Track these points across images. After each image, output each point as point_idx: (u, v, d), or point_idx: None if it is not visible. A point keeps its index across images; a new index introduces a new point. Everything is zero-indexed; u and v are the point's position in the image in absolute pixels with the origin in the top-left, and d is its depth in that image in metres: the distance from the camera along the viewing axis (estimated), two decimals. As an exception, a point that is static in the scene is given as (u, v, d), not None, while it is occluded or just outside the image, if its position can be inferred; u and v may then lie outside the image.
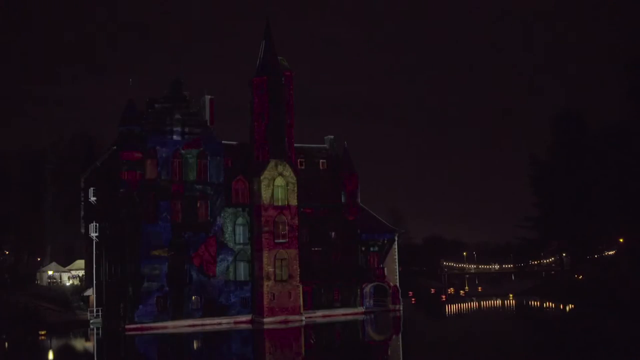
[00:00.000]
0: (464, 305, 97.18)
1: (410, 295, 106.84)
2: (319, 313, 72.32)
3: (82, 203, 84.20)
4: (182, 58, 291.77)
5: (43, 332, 61.81)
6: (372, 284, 78.28)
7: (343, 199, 76.47)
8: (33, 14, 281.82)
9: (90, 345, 61.32)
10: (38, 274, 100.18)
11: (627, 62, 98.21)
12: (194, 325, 65.59)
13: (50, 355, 52.91)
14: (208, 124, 69.93)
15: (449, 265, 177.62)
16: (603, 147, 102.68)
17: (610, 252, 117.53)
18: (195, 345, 58.96)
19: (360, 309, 75.33)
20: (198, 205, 68.00)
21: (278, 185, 68.56)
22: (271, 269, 67.24)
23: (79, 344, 62.44)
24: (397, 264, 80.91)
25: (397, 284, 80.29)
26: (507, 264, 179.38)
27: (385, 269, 79.33)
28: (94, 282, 73.93)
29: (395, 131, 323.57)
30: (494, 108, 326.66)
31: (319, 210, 75.03)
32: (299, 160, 75.62)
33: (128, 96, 67.23)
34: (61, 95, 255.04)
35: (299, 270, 69.05)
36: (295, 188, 69.62)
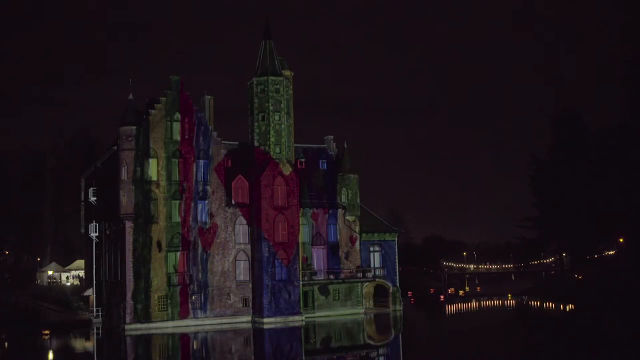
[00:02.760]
0: (463, 305, 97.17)
1: (410, 295, 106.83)
2: (319, 313, 72.32)
3: (82, 203, 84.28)
4: (182, 58, 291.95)
5: (47, 332, 61.82)
6: (372, 284, 78.27)
7: (343, 199, 76.49)
8: (33, 15, 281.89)
9: (90, 345, 61.33)
10: (38, 274, 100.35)
11: (627, 62, 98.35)
12: (194, 325, 65.57)
13: (50, 355, 52.92)
14: (208, 123, 69.92)
15: (449, 265, 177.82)
16: (603, 147, 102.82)
17: (610, 252, 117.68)
18: (195, 346, 58.92)
19: (360, 309, 75.33)
20: (199, 204, 68.00)
21: (278, 185, 68.54)
22: (271, 269, 67.23)
23: (79, 344, 62.43)
24: (397, 264, 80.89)
25: (397, 284, 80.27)
26: (507, 264, 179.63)
27: (385, 269, 79.35)
28: (94, 282, 73.94)
29: (395, 131, 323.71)
30: (494, 108, 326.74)
31: (319, 210, 75.11)
32: (299, 160, 75.66)
33: (128, 96, 67.12)
34: (62, 96, 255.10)
35: (299, 270, 69.07)
36: (296, 188, 69.62)
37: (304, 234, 73.11)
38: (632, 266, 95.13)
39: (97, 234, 73.29)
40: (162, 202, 66.48)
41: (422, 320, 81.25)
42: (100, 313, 70.21)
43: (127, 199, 64.80)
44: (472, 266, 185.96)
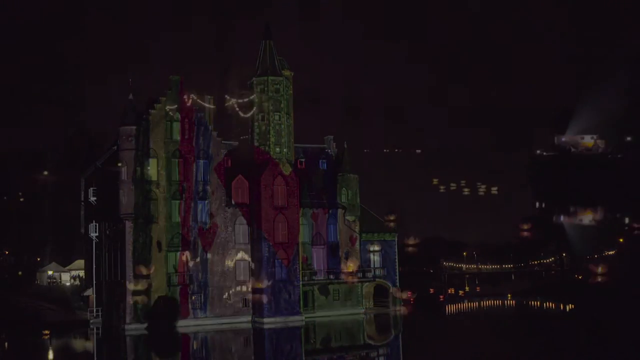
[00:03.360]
0: (463, 305, 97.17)
1: (409, 295, 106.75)
2: (319, 313, 72.30)
3: (82, 203, 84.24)
4: (182, 58, 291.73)
5: (47, 332, 61.81)
6: (372, 284, 78.24)
7: (343, 199, 76.46)
8: (34, 14, 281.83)
9: (90, 345, 61.34)
10: (38, 274, 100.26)
11: (626, 60, 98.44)
12: (194, 325, 65.54)
13: (50, 355, 52.92)
14: (208, 123, 69.92)
15: (449, 265, 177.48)
16: (602, 146, 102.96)
17: (610, 252, 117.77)
18: (195, 346, 58.93)
19: (360, 309, 75.30)
20: (199, 204, 67.96)
21: (278, 185, 68.53)
22: (271, 269, 67.22)
23: (79, 344, 62.43)
24: (397, 264, 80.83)
25: (397, 284, 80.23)
26: (507, 264, 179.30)
27: (385, 269, 79.30)
28: (94, 282, 73.90)
29: (396, 131, 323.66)
30: (494, 107, 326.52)
31: (319, 210, 75.06)
32: (299, 160, 75.63)
33: (128, 96, 67.09)
34: (62, 96, 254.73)
35: (299, 270, 69.05)
36: (296, 188, 69.61)
37: (304, 234, 73.04)
38: (632, 266, 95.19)
39: (97, 234, 73.20)
40: (162, 202, 66.47)
41: (422, 320, 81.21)
42: (100, 313, 70.13)
43: (127, 199, 64.79)
44: (471, 266, 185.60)
